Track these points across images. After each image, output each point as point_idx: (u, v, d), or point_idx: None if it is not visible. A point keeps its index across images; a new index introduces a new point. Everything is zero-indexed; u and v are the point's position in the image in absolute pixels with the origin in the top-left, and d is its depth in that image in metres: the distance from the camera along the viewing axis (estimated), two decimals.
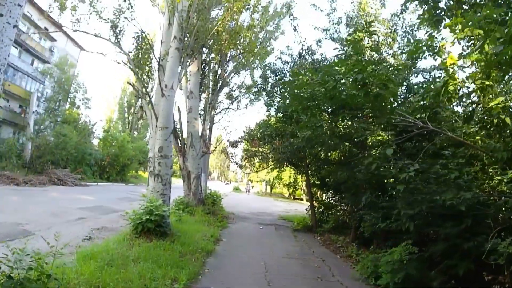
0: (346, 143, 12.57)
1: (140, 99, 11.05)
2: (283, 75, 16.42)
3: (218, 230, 12.47)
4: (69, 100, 38.04)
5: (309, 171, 16.00)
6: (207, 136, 18.05)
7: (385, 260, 7.45)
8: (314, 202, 16.11)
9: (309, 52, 15.94)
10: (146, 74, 11.52)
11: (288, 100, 11.80)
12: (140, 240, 8.29)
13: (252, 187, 58.55)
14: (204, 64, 17.58)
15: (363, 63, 8.89)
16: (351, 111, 9.93)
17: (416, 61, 11.36)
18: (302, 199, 45.43)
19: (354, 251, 10.79)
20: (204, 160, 20.34)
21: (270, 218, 19.27)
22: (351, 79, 8.69)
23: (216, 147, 18.35)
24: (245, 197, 40.20)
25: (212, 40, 12.22)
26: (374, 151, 12.14)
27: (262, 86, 17.57)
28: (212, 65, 17.74)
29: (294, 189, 47.60)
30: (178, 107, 16.33)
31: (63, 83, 36.99)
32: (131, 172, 45.88)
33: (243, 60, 17.36)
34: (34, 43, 36.09)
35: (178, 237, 9.11)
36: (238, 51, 16.58)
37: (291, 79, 12.20)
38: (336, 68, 9.60)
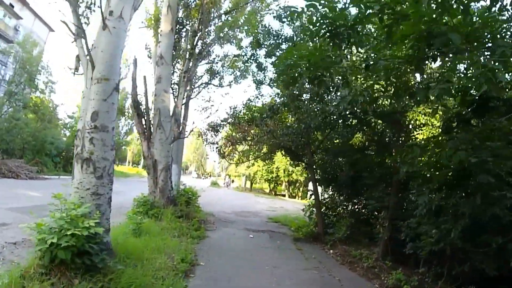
0: (380, 122, 8.64)
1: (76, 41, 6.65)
2: (282, 39, 12.19)
3: (192, 245, 8.33)
4: (30, 83, 32.79)
5: (315, 163, 11.90)
6: (181, 115, 13.66)
7: None
8: (319, 202, 12.02)
9: None
10: (88, 5, 7.10)
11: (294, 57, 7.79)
12: (46, 283, 4.16)
13: (232, 181, 54.20)
14: (180, 26, 13.28)
15: None
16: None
17: None
18: (284, 195, 42.08)
19: (400, 278, 6.90)
20: (177, 147, 16.01)
21: (259, 221, 15.11)
22: None
23: (192, 130, 13.98)
24: (225, 193, 35.89)
25: None
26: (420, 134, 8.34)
27: (253, 55, 13.30)
28: (190, 24, 13.37)
29: (275, 184, 43.77)
30: (144, 77, 12.14)
31: (26, 64, 31.73)
32: None
33: (229, 20, 13.11)
34: None
35: (121, 272, 4.91)
36: (223, 10, 12.36)
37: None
38: None
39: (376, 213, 9.70)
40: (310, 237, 11.15)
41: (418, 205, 6.54)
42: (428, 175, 6.55)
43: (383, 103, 8.22)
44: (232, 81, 16.96)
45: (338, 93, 7.49)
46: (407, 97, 6.24)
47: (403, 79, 5.06)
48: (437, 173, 6.27)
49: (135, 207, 10.77)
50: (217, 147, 13.90)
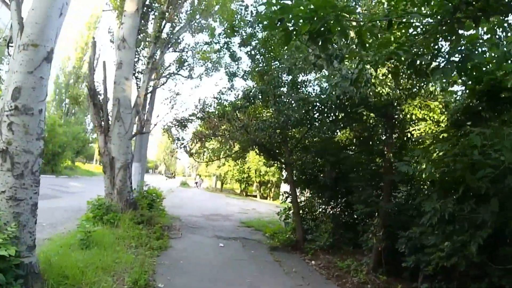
0: (372, 115, 7.52)
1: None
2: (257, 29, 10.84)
3: (152, 259, 6.94)
4: None
5: (293, 162, 10.66)
6: (145, 107, 12.10)
7: None
8: (298, 205, 10.80)
9: None
10: None
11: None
12: None
13: (202, 181, 52.43)
14: (148, 8, 11.77)
15: None
16: None
17: None
18: (255, 196, 40.74)
19: None
20: (140, 143, 14.47)
21: (230, 225, 13.76)
22: None
23: (156, 124, 12.43)
24: (194, 194, 34.24)
25: None
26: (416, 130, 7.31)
27: (226, 44, 11.89)
28: (159, 6, 11.87)
29: (246, 185, 42.39)
30: (104, 62, 10.56)
31: None
32: (65, 162, 38.16)
33: (202, 5, 11.72)
34: None
35: None
36: None
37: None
38: None
39: (364, 219, 8.54)
40: (288, 246, 9.91)
41: (424, 212, 5.42)
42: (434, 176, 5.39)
43: (381, 91, 7.06)
44: (202, 74, 15.47)
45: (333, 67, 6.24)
46: (414, 77, 5.11)
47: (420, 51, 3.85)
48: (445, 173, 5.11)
49: (90, 210, 9.25)
50: (182, 144, 12.32)
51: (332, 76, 7.65)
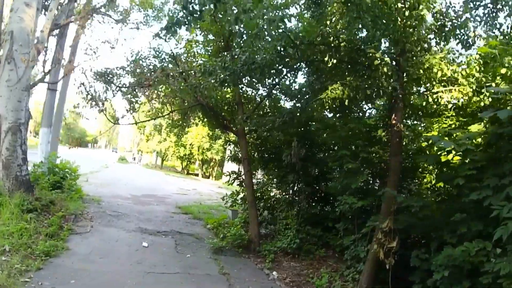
0: (386, 59, 4.92)
1: None
2: None
3: (24, 277, 4.04)
4: None
5: (250, 132, 7.88)
6: (51, 49, 8.49)
7: None
8: (254, 192, 8.04)
9: None
10: None
11: None
12: None
13: (141, 157, 48.12)
14: None
15: None
16: None
17: None
18: (197, 175, 37.63)
19: None
20: (51, 102, 10.80)
21: (163, 211, 10.70)
22: None
23: (66, 74, 8.80)
24: (130, 170, 30.43)
25: None
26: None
27: None
28: None
29: (188, 162, 39.01)
30: None
31: None
32: None
33: None
34: None
35: None
36: None
37: None
38: None
39: (347, 214, 5.95)
40: (238, 246, 7.12)
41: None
42: None
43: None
44: (140, 22, 11.95)
45: None
46: None
47: None
48: None
49: None
50: (95, 101, 8.76)
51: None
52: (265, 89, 8.46)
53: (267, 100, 8.53)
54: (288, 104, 8.61)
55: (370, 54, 4.81)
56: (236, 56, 6.05)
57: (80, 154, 23.31)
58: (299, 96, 7.61)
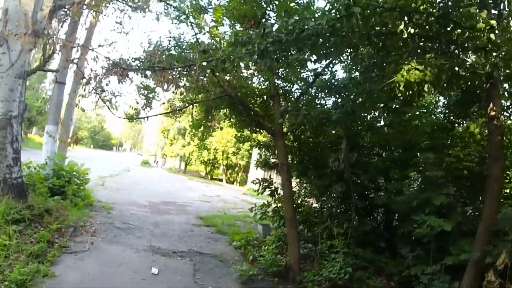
0: None
1: None
2: None
3: None
4: None
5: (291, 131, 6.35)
6: (54, 29, 7.04)
7: None
8: (293, 206, 6.40)
9: None
10: None
11: None
12: None
13: (165, 161, 46.98)
14: None
15: None
16: None
17: None
18: (221, 180, 36.11)
19: None
20: (58, 97, 9.57)
21: (182, 223, 9.19)
22: None
23: (73, 60, 7.34)
24: (153, 174, 29.27)
25: None
26: None
27: None
28: None
29: (212, 167, 37.63)
30: None
31: None
32: None
33: None
34: None
35: None
36: None
37: None
38: None
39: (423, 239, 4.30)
40: (273, 275, 5.51)
41: None
42: None
43: None
44: (160, 13, 10.51)
45: None
46: None
47: None
48: None
49: None
50: (103, 98, 7.25)
51: None
52: (302, 83, 6.95)
53: (304, 97, 6.92)
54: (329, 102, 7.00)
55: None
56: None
57: (102, 157, 22.32)
58: (350, 86, 5.97)
